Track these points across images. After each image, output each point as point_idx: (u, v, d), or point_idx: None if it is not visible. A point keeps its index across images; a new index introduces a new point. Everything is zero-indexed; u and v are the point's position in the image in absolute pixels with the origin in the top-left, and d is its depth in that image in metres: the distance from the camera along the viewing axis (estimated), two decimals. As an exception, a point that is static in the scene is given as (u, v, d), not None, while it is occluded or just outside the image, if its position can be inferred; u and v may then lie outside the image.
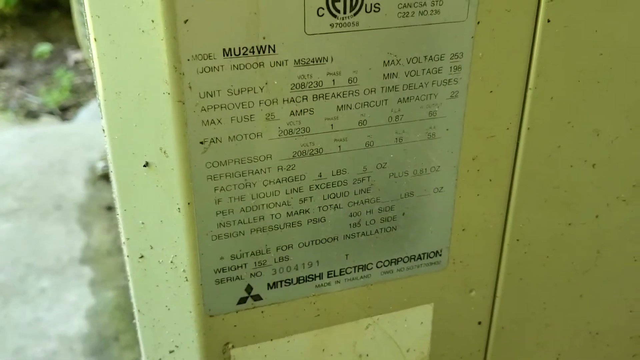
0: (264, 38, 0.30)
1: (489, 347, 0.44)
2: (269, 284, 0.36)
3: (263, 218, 0.34)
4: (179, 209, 0.33)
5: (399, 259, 0.38)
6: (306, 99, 0.32)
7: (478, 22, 0.33)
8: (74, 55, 2.76)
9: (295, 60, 0.31)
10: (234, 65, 0.30)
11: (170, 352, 0.38)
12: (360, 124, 0.34)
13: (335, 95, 0.33)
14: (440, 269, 0.39)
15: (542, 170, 0.39)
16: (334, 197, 0.35)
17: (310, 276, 0.37)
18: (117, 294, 1.13)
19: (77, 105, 2.38)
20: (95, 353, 0.99)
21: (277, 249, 0.35)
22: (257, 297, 0.36)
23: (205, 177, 0.32)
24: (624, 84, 0.38)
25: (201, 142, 0.31)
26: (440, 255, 0.39)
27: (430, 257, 0.39)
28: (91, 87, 2.49)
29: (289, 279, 0.36)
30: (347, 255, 0.37)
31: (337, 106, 0.33)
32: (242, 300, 0.36)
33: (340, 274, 0.37)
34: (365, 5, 0.31)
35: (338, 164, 0.34)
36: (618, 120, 0.39)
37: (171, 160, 0.32)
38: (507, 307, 0.43)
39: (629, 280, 0.46)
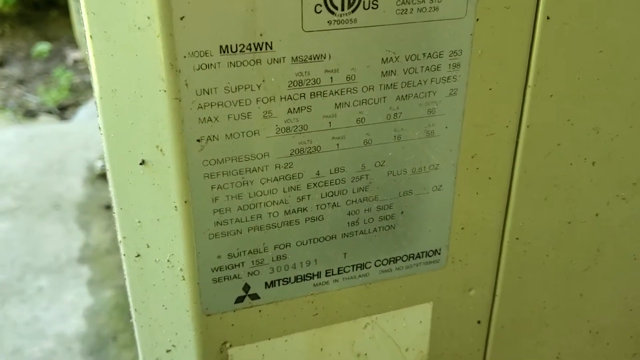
0: (261, 35, 0.30)
1: (488, 346, 0.44)
2: (266, 283, 0.36)
3: (260, 216, 0.34)
4: (175, 207, 0.33)
5: (398, 258, 0.38)
6: (304, 96, 0.32)
7: (477, 19, 0.33)
8: (72, 55, 2.76)
9: (292, 58, 0.31)
10: (230, 63, 0.30)
11: (167, 351, 0.38)
12: (358, 121, 0.34)
13: (333, 93, 0.32)
14: (439, 267, 0.39)
15: (541, 168, 0.39)
16: (332, 196, 0.35)
17: (308, 275, 0.37)
18: (116, 294, 1.12)
19: (76, 105, 2.38)
20: (93, 352, 0.99)
21: (275, 248, 0.35)
22: (255, 296, 0.36)
23: (202, 175, 0.32)
24: (624, 82, 0.38)
25: (198, 140, 0.31)
26: (439, 254, 0.39)
27: (429, 256, 0.39)
28: (90, 86, 2.49)
29: (287, 278, 0.36)
30: (345, 254, 0.37)
31: (335, 104, 0.33)
32: (240, 299, 0.36)
33: (339, 273, 0.37)
34: (364, 2, 0.30)
35: (336, 162, 0.34)
36: (618, 118, 0.39)
37: (168, 158, 0.31)
38: (506, 306, 0.43)
39: (629, 279, 0.46)
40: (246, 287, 0.35)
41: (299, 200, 0.34)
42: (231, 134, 0.31)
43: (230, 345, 0.37)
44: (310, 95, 0.32)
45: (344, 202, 0.35)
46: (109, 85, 0.31)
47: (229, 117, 0.31)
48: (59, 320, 1.06)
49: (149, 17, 0.28)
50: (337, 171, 0.35)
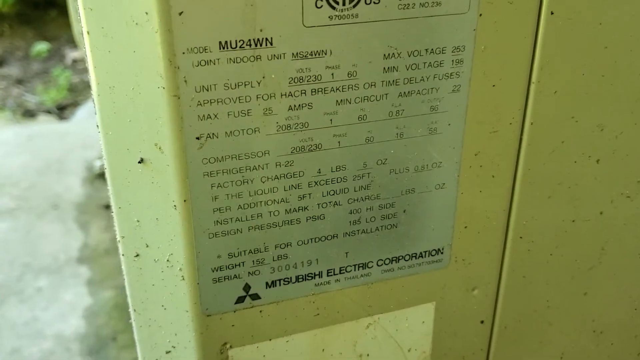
0: (261, 30, 0.29)
1: (491, 346, 0.43)
2: (267, 283, 0.35)
3: (261, 215, 0.34)
4: (174, 206, 0.32)
5: (400, 257, 0.37)
6: (304, 93, 0.31)
7: (480, 14, 0.32)
8: (71, 54, 2.75)
9: (293, 54, 0.30)
10: (230, 59, 0.29)
11: (167, 352, 0.37)
12: (360, 119, 0.33)
13: (335, 90, 0.32)
14: (442, 267, 0.39)
15: (545, 166, 0.38)
16: (333, 194, 0.35)
17: (310, 275, 0.36)
18: (115, 294, 1.12)
19: (75, 104, 2.37)
20: (92, 353, 0.98)
21: (276, 247, 0.35)
22: (256, 296, 0.35)
23: (201, 174, 0.31)
24: (628, 78, 0.37)
25: (197, 138, 0.31)
26: (442, 253, 0.38)
27: (432, 255, 0.38)
28: (89, 85, 2.49)
29: (288, 278, 0.36)
30: (347, 253, 0.36)
31: (337, 101, 0.32)
32: (240, 300, 0.35)
33: (340, 273, 0.37)
34: (365, -4, 0.30)
35: (337, 160, 0.34)
36: (623, 115, 0.38)
37: (167, 157, 0.31)
38: (510, 306, 0.42)
39: (634, 277, 0.45)
40: (247, 287, 0.35)
41: (300, 199, 0.34)
42: (231, 132, 0.31)
43: (231, 346, 0.36)
44: (311, 92, 0.31)
45: (345, 200, 0.35)
46: (106, 82, 0.30)
47: (228, 115, 0.30)
48: (58, 320, 1.06)
49: (147, 13, 0.28)
50: (338, 169, 0.34)
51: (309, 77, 0.31)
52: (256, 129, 0.31)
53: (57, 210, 1.38)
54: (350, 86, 0.32)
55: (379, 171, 0.35)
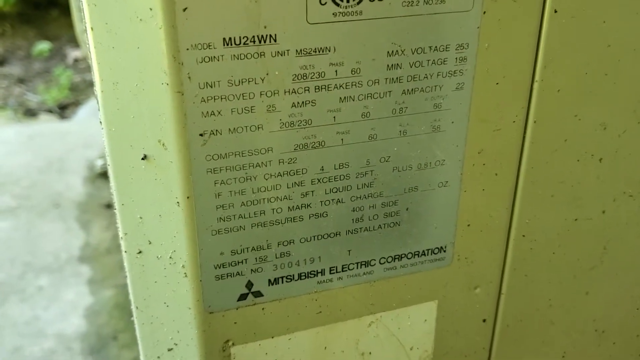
0: (265, 27, 0.29)
1: (493, 344, 0.43)
2: (269, 280, 0.35)
3: (264, 212, 0.34)
4: (178, 203, 0.32)
5: (403, 255, 0.37)
6: (308, 90, 0.31)
7: (484, 12, 0.32)
8: (73, 53, 2.75)
9: (297, 50, 0.30)
10: (234, 55, 0.29)
11: (169, 349, 0.37)
12: (363, 116, 0.33)
13: (338, 87, 0.32)
14: (444, 265, 0.39)
15: (548, 164, 0.38)
16: (336, 192, 0.35)
17: (312, 272, 0.36)
18: (116, 293, 1.12)
19: (76, 104, 2.37)
20: (93, 352, 0.98)
21: (278, 245, 0.35)
22: (258, 294, 0.35)
23: (205, 170, 0.31)
24: (632, 77, 0.37)
25: (201, 134, 0.31)
26: (444, 251, 0.38)
27: (435, 253, 0.38)
28: (90, 85, 2.49)
29: (290, 275, 0.36)
30: (349, 251, 0.36)
31: (340, 98, 0.32)
32: (243, 297, 0.35)
33: (343, 270, 0.37)
34: (369, -7, 0.30)
35: (340, 157, 0.34)
36: (626, 114, 0.38)
37: (170, 153, 0.31)
38: (512, 304, 0.42)
39: (636, 277, 0.45)
40: (249, 285, 0.35)
41: (302, 196, 0.34)
42: (234, 128, 0.31)
43: (233, 344, 0.36)
44: (315, 89, 0.31)
45: (348, 198, 0.35)
46: (110, 79, 0.30)
47: (232, 111, 0.30)
48: (59, 319, 1.06)
49: (151, 9, 0.28)
50: (341, 167, 0.34)
51: (312, 74, 0.31)
52: (259, 126, 0.31)
53: (59, 209, 1.38)
54: (354, 83, 0.32)
55: (382, 169, 0.35)
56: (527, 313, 0.43)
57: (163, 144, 0.31)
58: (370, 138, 0.34)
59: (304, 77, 0.31)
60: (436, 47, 0.32)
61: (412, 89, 0.33)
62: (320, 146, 0.33)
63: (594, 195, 0.41)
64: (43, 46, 2.79)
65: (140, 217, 0.34)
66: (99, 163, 1.57)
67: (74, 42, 2.78)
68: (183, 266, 0.34)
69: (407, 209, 0.36)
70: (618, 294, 0.45)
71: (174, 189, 0.32)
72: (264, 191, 0.33)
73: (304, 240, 0.35)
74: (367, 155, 0.34)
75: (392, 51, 0.32)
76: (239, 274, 0.34)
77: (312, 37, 0.30)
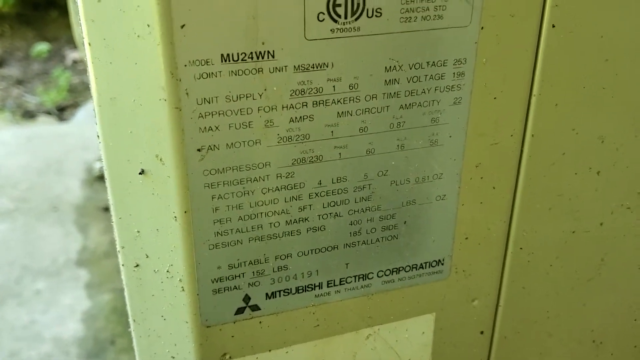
0: (263, 43, 0.29)
1: (491, 356, 0.43)
2: (267, 294, 0.35)
3: (261, 227, 0.34)
4: (175, 217, 0.32)
5: (400, 268, 0.37)
6: (306, 105, 0.31)
7: (482, 28, 0.32)
8: (71, 55, 2.75)
9: (295, 66, 0.30)
10: (232, 71, 0.29)
11: (166, 362, 0.37)
12: (361, 130, 0.33)
13: (336, 102, 0.32)
14: (442, 278, 0.39)
15: (546, 177, 0.38)
16: (334, 205, 0.35)
17: (310, 286, 0.36)
18: (114, 297, 1.12)
19: (75, 105, 2.37)
20: (90, 356, 0.98)
21: (276, 258, 0.35)
22: (255, 307, 0.35)
23: (202, 185, 0.31)
24: (629, 90, 0.37)
25: (198, 150, 0.31)
26: (442, 264, 0.38)
27: (432, 266, 0.38)
28: (89, 87, 2.49)
29: (288, 289, 0.36)
30: (347, 264, 0.36)
31: (338, 113, 0.32)
32: (240, 311, 0.35)
33: (340, 284, 0.37)
34: (367, 10, 0.30)
35: (338, 171, 0.34)
36: (623, 127, 0.38)
37: (167, 168, 0.31)
38: (509, 317, 0.42)
39: (633, 289, 0.45)
40: (246, 298, 0.35)
41: (300, 210, 0.34)
42: (232, 144, 0.31)
43: (230, 357, 0.36)
44: (313, 104, 0.31)
45: (346, 212, 0.35)
46: (107, 94, 0.30)
47: (230, 127, 0.30)
48: (57, 323, 1.05)
49: (149, 25, 0.28)
50: (339, 181, 0.34)
51: (310, 90, 0.31)
52: (257, 141, 0.31)
53: (57, 212, 1.38)
54: (352, 98, 0.32)
55: (380, 182, 0.35)
56: (525, 325, 0.43)
57: (160, 159, 0.31)
58: (368, 152, 0.34)
59: (302, 93, 0.31)
60: (434, 62, 0.32)
61: (410, 104, 0.33)
62: (318, 160, 0.33)
63: (591, 207, 0.41)
64: (42, 47, 2.79)
65: (138, 231, 0.34)
66: (97, 166, 1.57)
67: (73, 44, 2.78)
68: (180, 280, 0.34)
69: (404, 223, 0.36)
70: (616, 306, 0.45)
71: (172, 204, 0.32)
72: (262, 205, 0.33)
73: (301, 253, 0.35)
74: (364, 169, 0.34)
75: (390, 66, 0.32)
76: (236, 288, 0.34)
77: (310, 53, 0.30)
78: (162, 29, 0.28)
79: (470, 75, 0.33)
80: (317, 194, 0.34)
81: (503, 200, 0.38)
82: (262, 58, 0.29)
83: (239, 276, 0.34)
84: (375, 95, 0.32)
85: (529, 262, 0.41)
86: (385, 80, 0.32)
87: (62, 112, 2.34)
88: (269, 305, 0.36)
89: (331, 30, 0.30)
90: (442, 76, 0.33)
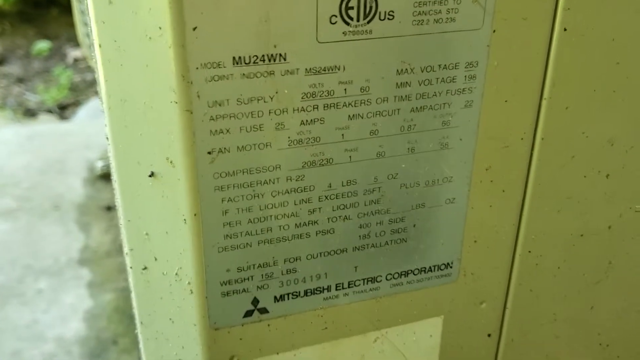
0: (274, 46, 0.29)
1: (498, 359, 0.43)
2: (275, 297, 0.35)
3: (271, 229, 0.33)
4: (184, 220, 0.32)
5: (409, 271, 0.37)
6: (317, 108, 0.31)
7: (494, 31, 0.32)
8: (73, 53, 2.75)
9: (306, 69, 0.30)
10: (243, 74, 0.29)
11: (174, 365, 0.37)
12: (371, 133, 0.33)
13: (347, 105, 0.32)
14: (450, 281, 0.39)
15: (555, 180, 0.38)
16: (343, 208, 0.34)
17: (318, 289, 0.36)
18: (116, 296, 1.12)
19: (76, 104, 2.37)
20: (93, 356, 0.98)
21: (285, 261, 0.35)
22: (264, 310, 0.35)
23: (212, 188, 0.31)
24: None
25: (209, 152, 0.30)
26: (451, 267, 0.38)
27: (441, 270, 0.38)
28: (90, 85, 2.49)
29: (297, 292, 0.35)
30: (356, 267, 0.36)
31: (349, 115, 0.32)
32: (248, 314, 0.35)
33: (349, 287, 0.36)
34: (380, 13, 0.30)
35: (348, 174, 0.34)
36: (633, 130, 0.38)
37: (178, 171, 0.31)
38: (517, 319, 0.42)
39: (641, 292, 0.45)
40: (255, 301, 0.35)
41: (310, 213, 0.34)
42: (243, 146, 0.31)
43: (239, 360, 0.36)
44: (324, 107, 0.31)
45: (355, 215, 0.35)
46: (118, 96, 0.30)
47: (240, 129, 0.30)
48: (59, 323, 1.05)
49: (160, 28, 0.28)
50: (349, 184, 0.34)
51: (321, 92, 0.31)
52: (268, 144, 0.31)
53: (58, 211, 1.38)
54: (363, 101, 0.32)
55: (390, 186, 0.35)
56: (532, 327, 0.43)
57: (171, 162, 0.31)
58: (378, 155, 0.34)
59: (313, 96, 0.31)
60: (445, 65, 0.32)
61: (421, 107, 0.33)
62: (328, 163, 0.33)
63: (600, 210, 0.40)
64: (43, 45, 2.79)
65: (147, 234, 0.33)
66: (99, 164, 1.56)
67: (74, 42, 2.77)
68: (189, 283, 0.33)
69: (414, 226, 0.36)
70: (623, 308, 0.45)
71: (181, 206, 0.32)
72: (272, 208, 0.33)
73: (310, 256, 0.35)
74: (375, 172, 0.34)
75: (402, 69, 0.32)
76: (245, 291, 0.34)
77: (322, 56, 0.30)
78: (173, 32, 0.27)
79: (482, 79, 0.33)
80: (326, 197, 0.34)
81: (512, 203, 0.38)
82: (274, 61, 0.29)
83: (248, 279, 0.34)
84: (386, 98, 0.32)
85: (537, 264, 0.41)
86: (397, 83, 0.32)
87: (63, 110, 2.34)
88: (278, 308, 0.35)
89: (343, 33, 0.30)
90: (453, 79, 0.33)
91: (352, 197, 0.34)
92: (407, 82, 0.32)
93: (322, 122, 0.32)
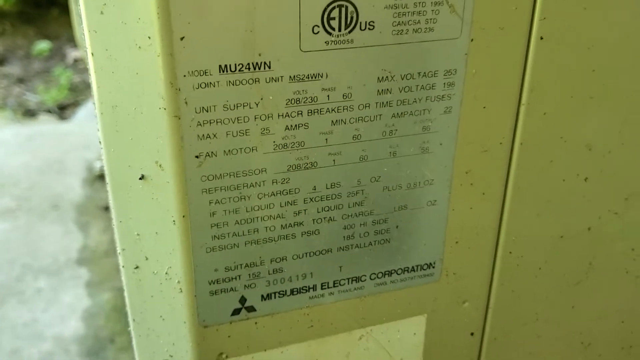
0: (259, 55, 0.30)
1: (481, 357, 0.45)
2: (262, 296, 0.36)
3: (257, 230, 0.35)
4: (174, 221, 0.33)
5: (393, 271, 0.39)
6: (301, 114, 0.32)
7: (472, 40, 0.33)
8: (72, 53, 2.76)
9: (290, 77, 0.31)
10: (229, 81, 0.30)
11: (165, 361, 0.38)
12: (354, 138, 0.34)
13: (330, 111, 0.33)
14: (433, 280, 0.40)
15: (534, 184, 0.39)
16: (328, 210, 0.36)
17: (304, 288, 0.37)
18: (114, 296, 1.13)
19: (76, 104, 2.38)
20: (91, 355, 0.99)
21: (271, 261, 0.36)
22: (251, 309, 0.36)
23: (200, 191, 0.33)
24: (616, 100, 0.38)
25: (197, 156, 0.32)
26: (433, 267, 0.39)
27: (424, 269, 0.39)
28: (90, 86, 2.49)
29: (283, 291, 0.37)
30: (340, 267, 0.37)
31: (332, 121, 0.33)
32: (236, 312, 0.36)
33: (334, 286, 0.38)
34: (360, 23, 0.31)
35: (332, 177, 0.35)
36: (610, 135, 0.40)
37: (167, 174, 0.32)
38: (499, 318, 0.43)
39: (621, 292, 0.46)
40: (242, 300, 0.36)
41: (295, 214, 0.35)
42: (229, 150, 0.32)
43: (227, 357, 0.37)
44: (308, 112, 0.33)
45: (339, 216, 0.36)
46: (109, 102, 0.32)
47: (227, 134, 0.32)
48: (57, 321, 1.07)
49: (149, 37, 0.29)
50: (333, 186, 0.35)
51: (305, 99, 0.32)
52: (254, 148, 0.32)
53: (57, 211, 1.39)
54: (345, 107, 0.33)
55: (373, 188, 0.36)
56: (514, 327, 0.44)
57: (160, 165, 0.32)
58: (361, 159, 0.35)
59: (297, 102, 0.32)
60: (425, 73, 0.33)
61: (402, 113, 0.34)
62: (313, 167, 0.34)
63: (579, 213, 0.42)
64: (43, 46, 2.80)
65: (138, 234, 0.35)
66: (98, 165, 1.58)
67: (74, 42, 2.79)
68: (178, 282, 0.35)
69: (397, 227, 0.37)
70: (603, 308, 0.47)
71: (170, 208, 0.33)
72: (258, 210, 0.34)
73: (296, 257, 0.36)
74: (358, 175, 0.35)
75: (382, 77, 0.33)
76: (232, 290, 0.36)
77: (305, 64, 0.31)
78: (162, 41, 0.29)
79: (461, 86, 0.34)
80: (311, 199, 0.35)
81: (492, 206, 0.39)
82: (259, 69, 0.30)
83: (235, 278, 0.35)
84: (368, 104, 0.33)
85: (518, 265, 0.42)
86: (378, 90, 0.33)
87: (63, 110, 2.35)
88: (265, 307, 0.37)
89: (325, 42, 0.31)
90: (433, 86, 0.34)
91: (336, 199, 0.35)
92: (388, 89, 0.33)
93: (306, 127, 0.33)
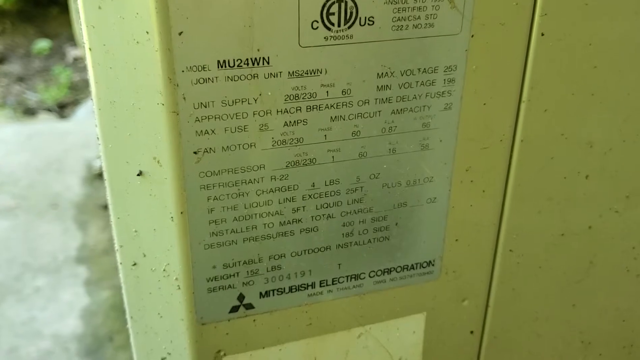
0: (258, 50, 0.30)
1: (480, 356, 0.44)
2: (261, 293, 0.36)
3: (256, 227, 0.34)
4: (172, 217, 0.33)
5: (392, 269, 0.38)
6: (300, 110, 0.32)
7: (472, 36, 0.33)
8: (72, 52, 2.76)
9: (289, 72, 0.31)
10: (228, 77, 0.30)
11: (163, 358, 0.38)
12: (353, 134, 0.34)
13: (329, 107, 0.33)
14: (432, 278, 0.40)
15: (535, 181, 0.39)
16: (327, 207, 0.35)
17: (303, 285, 0.37)
18: (112, 294, 1.13)
19: (75, 103, 2.38)
20: (89, 353, 0.99)
21: (270, 258, 0.36)
22: (249, 306, 0.36)
23: (198, 187, 0.32)
24: (617, 97, 0.38)
25: (195, 152, 0.31)
26: (433, 265, 0.39)
27: (423, 267, 0.39)
28: (89, 85, 2.49)
29: (281, 288, 0.36)
30: (339, 264, 0.37)
31: (331, 117, 0.33)
32: (234, 309, 0.36)
33: (333, 284, 0.38)
34: (360, 18, 0.31)
35: (331, 174, 0.35)
36: (611, 132, 0.39)
37: (165, 170, 0.32)
38: (499, 317, 0.43)
39: (621, 290, 0.46)
40: (241, 297, 0.36)
41: (294, 211, 0.35)
42: (228, 147, 0.32)
43: (225, 354, 0.37)
44: (307, 108, 0.32)
45: (338, 213, 0.36)
46: (107, 97, 0.31)
47: (225, 130, 0.31)
48: (56, 320, 1.06)
49: (147, 32, 0.29)
50: (332, 183, 0.35)
51: (304, 95, 0.32)
52: (252, 144, 0.32)
53: (57, 209, 1.39)
54: (345, 103, 0.33)
55: (372, 185, 0.36)
56: (514, 325, 0.44)
57: (158, 161, 0.32)
58: (360, 156, 0.35)
59: (296, 98, 0.32)
60: (425, 69, 0.33)
61: (401, 109, 0.34)
62: (312, 163, 0.34)
63: (580, 211, 0.41)
64: (43, 44, 2.80)
65: (135, 231, 0.34)
66: (97, 163, 1.58)
67: (74, 41, 2.79)
68: (176, 279, 0.35)
69: (396, 224, 0.37)
70: (604, 307, 0.46)
71: (168, 204, 0.33)
72: (256, 207, 0.34)
73: (295, 254, 0.36)
74: (357, 172, 0.35)
75: (382, 73, 0.33)
76: (230, 287, 0.35)
77: (304, 60, 0.31)
78: (160, 36, 0.28)
79: (461, 82, 0.34)
80: (310, 196, 0.35)
81: (493, 203, 0.39)
82: (258, 64, 0.30)
83: (234, 275, 0.35)
84: (367, 101, 0.33)
85: (519, 263, 0.42)
86: (378, 86, 0.33)
87: (62, 109, 2.35)
88: (263, 304, 0.36)
89: (325, 37, 0.31)
90: (433, 82, 0.34)
91: (335, 196, 0.35)
92: (387, 85, 0.33)
93: (305, 123, 0.33)
